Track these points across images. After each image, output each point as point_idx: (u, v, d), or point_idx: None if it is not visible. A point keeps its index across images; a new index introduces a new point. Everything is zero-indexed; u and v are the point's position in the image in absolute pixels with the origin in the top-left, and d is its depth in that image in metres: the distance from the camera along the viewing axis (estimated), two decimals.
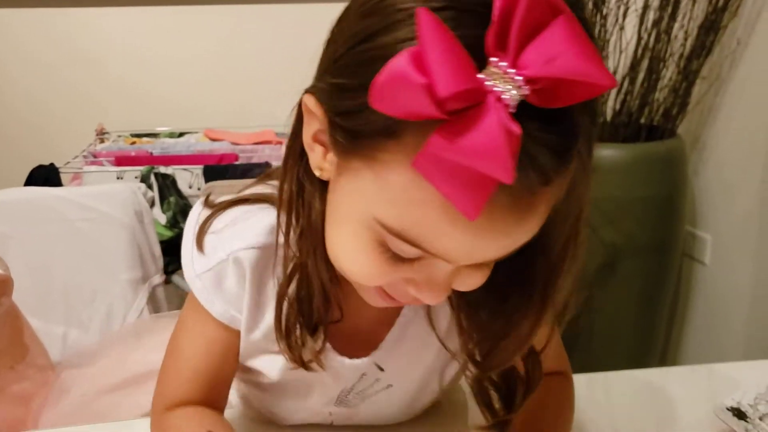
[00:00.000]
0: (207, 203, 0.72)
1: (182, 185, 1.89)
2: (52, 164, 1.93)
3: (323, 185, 0.60)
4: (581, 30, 0.47)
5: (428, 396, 0.81)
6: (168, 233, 1.73)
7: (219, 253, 0.67)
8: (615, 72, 1.94)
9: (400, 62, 0.45)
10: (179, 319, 0.75)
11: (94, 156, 2.14)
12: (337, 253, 0.60)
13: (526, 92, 0.46)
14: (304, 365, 0.68)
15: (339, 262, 0.60)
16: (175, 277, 1.73)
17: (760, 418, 0.79)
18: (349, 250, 0.58)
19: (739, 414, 0.79)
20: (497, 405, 0.71)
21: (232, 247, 0.67)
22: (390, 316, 0.72)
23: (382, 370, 0.74)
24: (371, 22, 0.51)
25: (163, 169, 1.85)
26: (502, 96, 0.46)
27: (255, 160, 2.07)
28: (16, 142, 2.71)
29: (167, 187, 1.80)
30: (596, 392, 0.88)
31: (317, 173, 0.59)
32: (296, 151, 0.62)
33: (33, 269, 1.37)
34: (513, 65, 0.46)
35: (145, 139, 2.41)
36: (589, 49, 0.47)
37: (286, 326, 0.67)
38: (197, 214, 0.71)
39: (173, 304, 1.54)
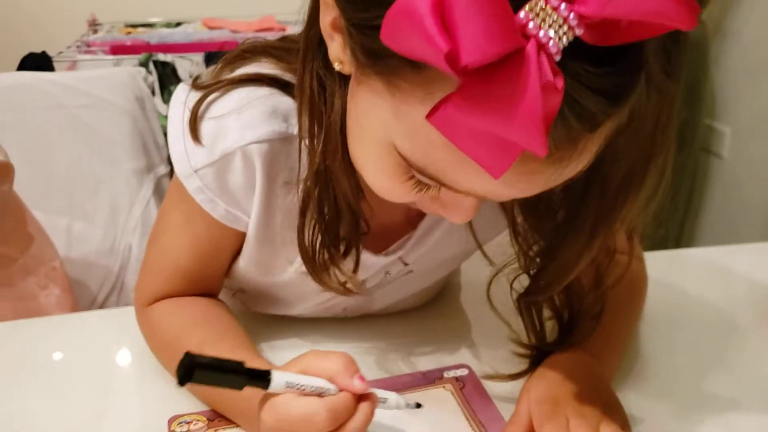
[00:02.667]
0: (196, 85, 0.63)
1: (182, 75, 1.79)
2: (44, 52, 1.83)
3: (344, 80, 0.53)
4: None
5: (443, 277, 0.79)
6: None
7: (222, 144, 0.59)
8: None
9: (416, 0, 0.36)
10: (162, 210, 0.68)
11: (88, 45, 2.03)
12: (359, 168, 0.54)
13: (579, 33, 0.38)
14: (338, 289, 0.62)
15: (363, 176, 0.54)
16: None
17: None
18: (371, 169, 0.52)
19: None
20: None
21: (243, 139, 0.59)
22: (416, 213, 0.66)
23: (406, 264, 0.70)
24: None
25: (162, 57, 1.75)
26: (548, 43, 0.37)
27: None
28: (4, 31, 2.57)
29: (167, 75, 1.71)
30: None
31: (337, 66, 0.52)
32: (314, 41, 0.54)
33: (32, 159, 1.30)
34: None
35: (140, 29, 2.29)
36: None
37: (312, 247, 0.60)
38: (184, 97, 0.61)
39: None
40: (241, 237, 0.66)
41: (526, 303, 0.64)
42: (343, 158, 0.55)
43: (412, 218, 0.68)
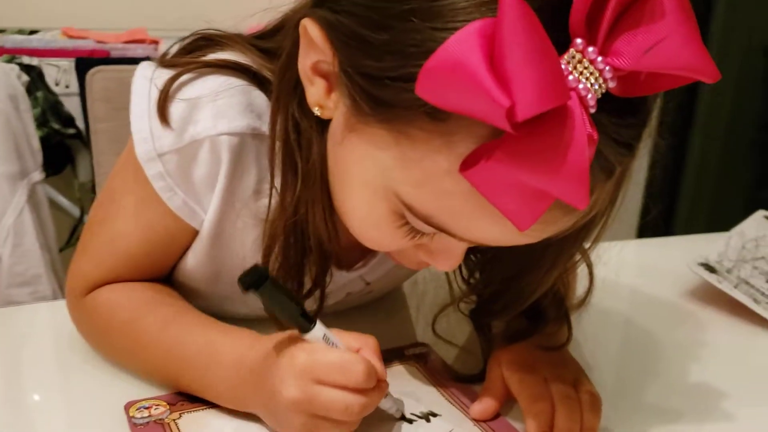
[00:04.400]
0: (163, 62, 0.59)
1: (49, 81, 1.66)
2: None
3: (322, 125, 0.51)
4: (687, 3, 0.39)
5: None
6: (37, 132, 1.52)
7: (191, 129, 0.55)
8: None
9: (465, 52, 0.36)
10: (109, 192, 0.62)
11: None
12: (345, 216, 0.53)
13: (612, 86, 0.40)
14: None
15: (348, 224, 0.53)
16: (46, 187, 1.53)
17: (728, 271, 0.82)
18: (361, 217, 0.51)
19: (710, 268, 0.82)
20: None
21: (215, 128, 0.55)
22: None
23: (368, 284, 0.69)
24: None
25: (27, 60, 1.61)
26: (587, 95, 0.39)
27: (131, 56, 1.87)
28: None
29: (33, 80, 1.58)
30: None
31: (315, 111, 0.50)
32: (290, 82, 0.52)
33: None
34: (601, 51, 0.39)
35: None
36: (694, 29, 0.39)
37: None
38: (150, 72, 0.58)
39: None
40: (194, 233, 0.61)
41: (484, 321, 0.65)
42: (321, 206, 0.53)
43: None
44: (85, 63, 1.65)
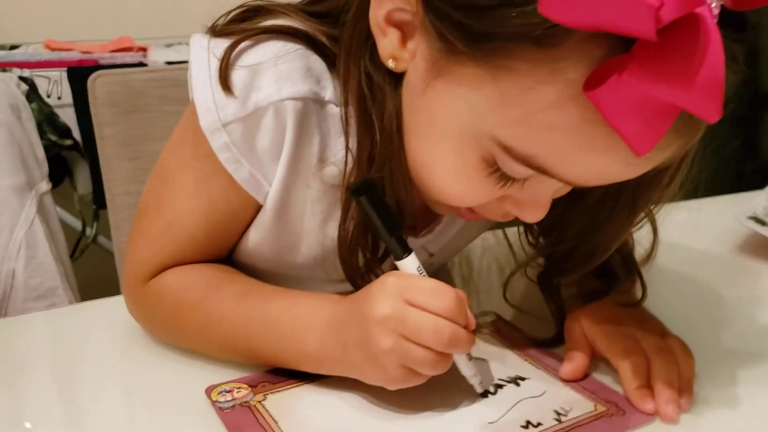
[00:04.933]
0: (216, 32, 0.57)
1: (41, 94, 1.62)
2: None
3: (395, 78, 0.50)
4: None
5: None
6: None
7: (254, 96, 0.53)
8: None
9: None
10: (162, 174, 0.60)
11: None
12: (427, 170, 0.51)
13: None
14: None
15: (428, 180, 0.51)
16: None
17: None
18: (446, 169, 0.49)
19: (760, 221, 0.81)
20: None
21: (279, 93, 0.53)
22: None
23: (431, 255, 0.66)
24: None
25: (18, 72, 1.57)
26: (711, 5, 0.37)
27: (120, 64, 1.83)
28: None
29: (27, 92, 1.54)
30: None
31: (389, 64, 0.49)
32: (361, 35, 0.51)
33: None
34: None
35: None
36: None
37: (350, 247, 0.55)
38: (206, 42, 0.55)
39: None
40: (257, 208, 0.59)
41: (554, 283, 0.63)
42: (400, 163, 0.52)
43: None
44: (77, 72, 1.62)
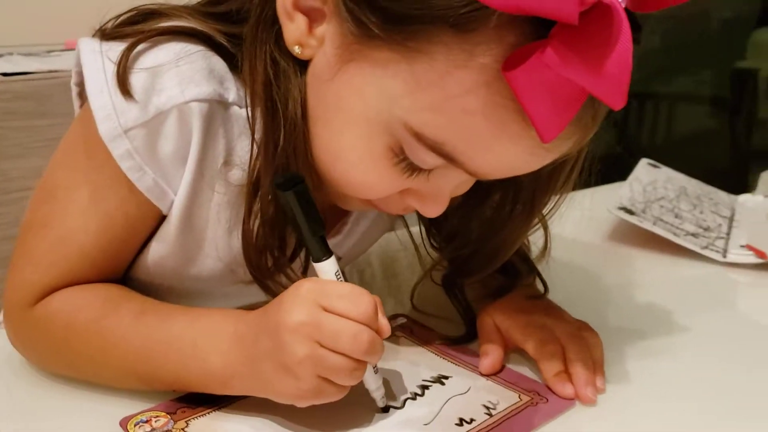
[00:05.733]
0: (107, 34, 0.53)
1: None
2: None
3: (301, 66, 0.49)
4: None
5: None
6: None
7: (156, 100, 0.50)
8: None
9: None
10: (46, 187, 0.55)
11: None
12: (332, 159, 0.50)
13: None
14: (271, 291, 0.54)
15: (333, 169, 0.50)
16: None
17: (643, 212, 0.88)
18: (352, 158, 0.48)
19: (629, 211, 0.87)
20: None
21: (183, 95, 0.50)
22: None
23: (339, 258, 0.65)
24: None
25: None
26: None
27: None
28: None
29: None
30: None
31: (295, 50, 0.49)
32: (267, 20, 0.50)
33: None
34: None
35: None
36: None
37: (256, 250, 0.53)
38: (98, 46, 0.52)
39: None
40: (157, 219, 0.55)
41: (458, 284, 0.64)
42: (305, 154, 0.50)
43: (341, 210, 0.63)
44: None
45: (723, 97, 2.55)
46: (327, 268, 0.48)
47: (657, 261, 0.83)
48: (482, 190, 0.55)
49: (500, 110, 0.42)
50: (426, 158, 0.46)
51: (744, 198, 1.01)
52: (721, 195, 1.02)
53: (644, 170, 1.02)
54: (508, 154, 0.45)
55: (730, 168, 2.54)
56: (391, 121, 0.45)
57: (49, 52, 1.83)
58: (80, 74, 0.54)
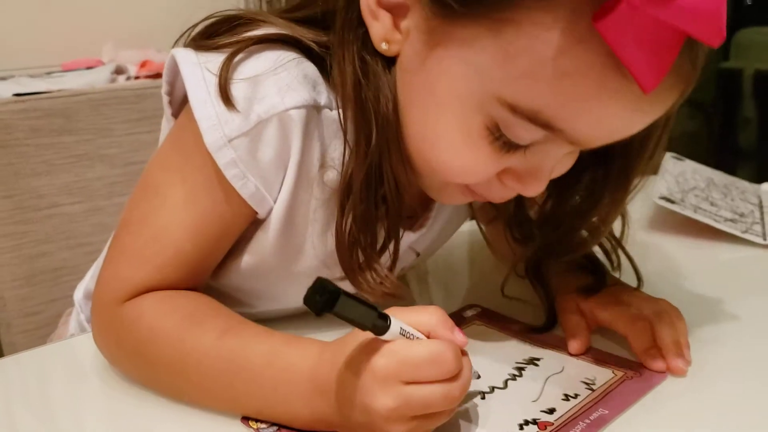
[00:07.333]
0: (200, 45, 0.55)
1: None
2: None
3: (389, 63, 0.51)
4: None
5: None
6: None
7: (257, 108, 0.52)
8: None
9: None
10: (145, 186, 0.57)
11: None
12: (429, 146, 0.51)
13: None
14: (374, 291, 0.54)
15: (431, 156, 0.51)
16: None
17: (681, 201, 0.90)
18: (450, 141, 0.49)
19: (670, 201, 0.90)
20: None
21: (284, 103, 0.52)
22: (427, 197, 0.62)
23: (418, 255, 0.67)
24: None
25: None
26: None
27: None
28: None
29: None
30: None
31: (382, 47, 0.50)
32: (352, 23, 0.51)
33: None
34: None
35: None
36: None
37: (348, 245, 0.54)
38: (195, 57, 0.53)
39: None
40: (249, 222, 0.57)
41: (542, 271, 0.65)
42: (398, 147, 0.52)
43: (425, 201, 0.64)
44: None
45: (708, 97, 2.61)
46: (392, 332, 0.45)
47: (698, 247, 0.85)
48: (571, 174, 0.56)
49: (596, 66, 0.42)
50: (522, 133, 0.47)
51: (767, 186, 1.05)
52: (745, 184, 1.05)
53: (671, 163, 1.05)
54: (609, 113, 0.44)
55: (715, 167, 2.61)
56: (485, 98, 0.46)
57: (48, 73, 1.83)
58: (170, 83, 0.56)
